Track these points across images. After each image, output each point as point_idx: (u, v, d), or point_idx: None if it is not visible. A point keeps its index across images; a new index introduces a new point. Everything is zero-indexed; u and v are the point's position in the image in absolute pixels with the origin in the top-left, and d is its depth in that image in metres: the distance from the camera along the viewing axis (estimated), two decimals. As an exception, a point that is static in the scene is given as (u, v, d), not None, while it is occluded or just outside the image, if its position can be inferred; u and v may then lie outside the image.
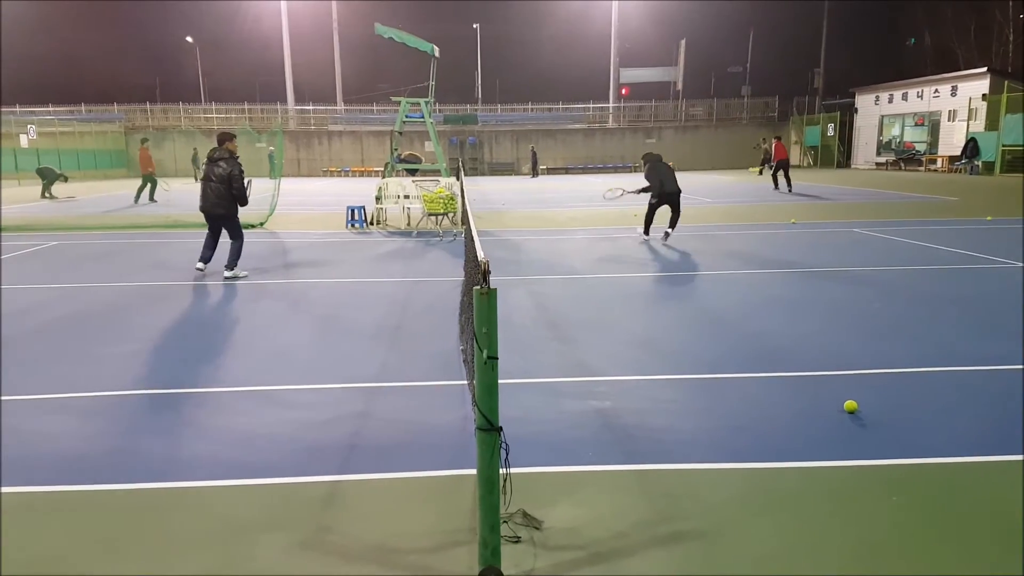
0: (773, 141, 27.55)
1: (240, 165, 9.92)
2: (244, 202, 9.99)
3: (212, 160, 9.85)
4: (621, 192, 14.44)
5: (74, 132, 44.65)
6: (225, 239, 10.27)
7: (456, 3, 68.05)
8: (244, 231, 10.39)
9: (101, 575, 3.13)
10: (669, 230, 13.23)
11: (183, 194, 26.92)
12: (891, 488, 3.79)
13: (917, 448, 4.27)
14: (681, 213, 13.45)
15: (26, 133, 38.58)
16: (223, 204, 9.87)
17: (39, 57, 70.30)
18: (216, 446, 4.44)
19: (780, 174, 25.89)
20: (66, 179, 28.95)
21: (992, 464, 4.06)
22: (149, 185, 24.64)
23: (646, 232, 13.56)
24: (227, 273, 10.03)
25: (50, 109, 50.19)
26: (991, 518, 3.49)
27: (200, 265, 10.17)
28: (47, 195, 26.96)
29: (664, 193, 13.05)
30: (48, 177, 27.49)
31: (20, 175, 36.06)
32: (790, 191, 24.97)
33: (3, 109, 47.05)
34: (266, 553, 3.27)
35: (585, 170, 50.00)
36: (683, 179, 14.22)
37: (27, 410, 5.09)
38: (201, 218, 10.24)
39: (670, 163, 13.69)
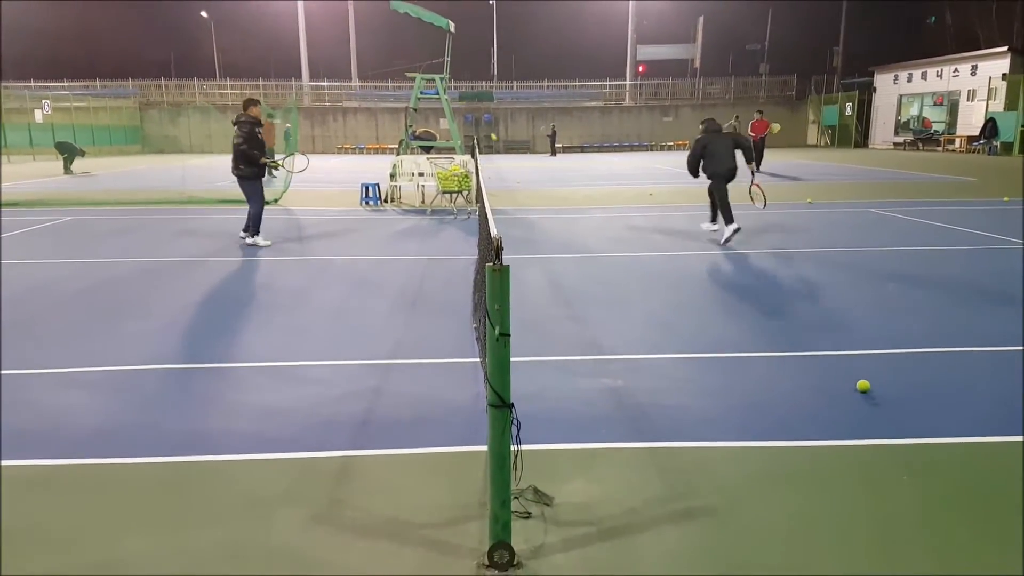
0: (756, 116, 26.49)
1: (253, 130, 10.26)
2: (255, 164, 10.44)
3: (235, 123, 10.34)
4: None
5: (88, 107, 44.74)
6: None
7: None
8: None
9: (119, 549, 3.18)
10: (708, 225, 11.51)
11: (196, 168, 27.01)
12: (904, 467, 3.79)
13: (931, 428, 4.27)
14: (719, 201, 10.82)
15: (41, 108, 38.70)
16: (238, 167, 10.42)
17: (54, 32, 70.45)
18: (233, 421, 4.50)
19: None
20: (83, 153, 29.00)
21: (1005, 444, 4.05)
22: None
23: (712, 220, 11.48)
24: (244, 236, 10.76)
25: (65, 84, 50.16)
26: (1004, 498, 3.48)
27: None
28: (69, 171, 27.09)
29: (712, 175, 10.80)
30: (69, 152, 27.57)
31: (35, 150, 36.18)
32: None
33: (18, 84, 47.21)
34: (281, 527, 3.31)
35: (601, 148, 49.69)
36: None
37: (48, 384, 5.16)
38: (216, 195, 10.30)
39: (729, 130, 11.83)
